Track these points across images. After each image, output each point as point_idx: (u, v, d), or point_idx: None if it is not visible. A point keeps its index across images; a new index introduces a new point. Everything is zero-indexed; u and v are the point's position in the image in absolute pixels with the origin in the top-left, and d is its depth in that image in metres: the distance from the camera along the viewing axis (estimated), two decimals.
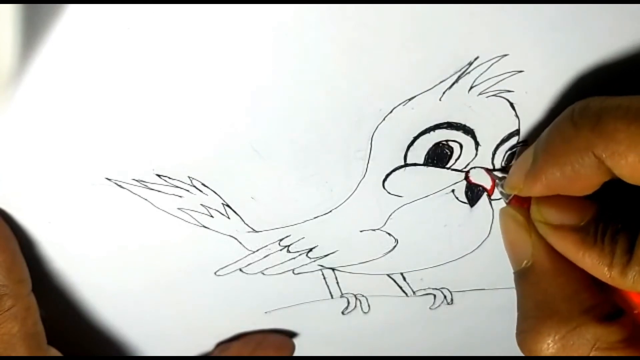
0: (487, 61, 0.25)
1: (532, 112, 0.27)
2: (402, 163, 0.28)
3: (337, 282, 0.35)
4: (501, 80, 0.26)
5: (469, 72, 0.25)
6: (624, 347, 0.24)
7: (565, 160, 0.24)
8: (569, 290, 0.25)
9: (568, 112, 0.24)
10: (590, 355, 0.24)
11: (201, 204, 0.29)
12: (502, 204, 0.29)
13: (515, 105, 0.27)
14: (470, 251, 0.33)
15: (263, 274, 0.33)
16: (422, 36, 0.24)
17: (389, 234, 0.32)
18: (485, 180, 0.29)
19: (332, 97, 0.25)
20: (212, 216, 0.29)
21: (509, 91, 0.26)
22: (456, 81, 0.25)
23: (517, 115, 0.27)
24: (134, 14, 0.22)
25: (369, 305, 0.37)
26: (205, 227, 0.30)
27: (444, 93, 0.26)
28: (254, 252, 0.32)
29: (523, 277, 0.27)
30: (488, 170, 0.29)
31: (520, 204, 0.27)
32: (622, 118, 0.22)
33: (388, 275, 0.35)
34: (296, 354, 0.39)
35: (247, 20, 0.22)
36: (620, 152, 0.22)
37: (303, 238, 0.31)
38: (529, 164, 0.26)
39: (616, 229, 0.24)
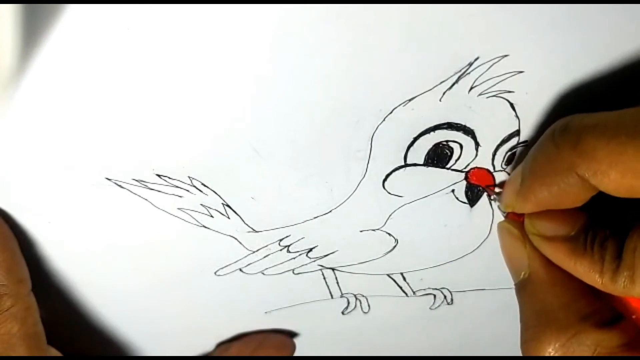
0: (487, 62, 0.25)
1: (532, 113, 0.27)
2: (402, 163, 0.28)
3: (337, 282, 0.35)
4: (501, 80, 0.26)
5: (469, 73, 0.25)
6: (625, 351, 0.24)
7: (551, 181, 0.24)
8: (566, 299, 0.26)
9: (549, 133, 0.25)
10: None
11: (201, 204, 0.29)
12: None
13: (515, 105, 0.27)
14: (470, 251, 0.33)
15: (263, 274, 0.33)
16: (422, 36, 0.24)
17: (389, 234, 0.32)
18: (484, 180, 0.29)
19: (332, 97, 0.25)
20: (212, 216, 0.29)
21: (509, 92, 0.26)
22: (456, 82, 0.25)
23: (517, 116, 0.27)
24: (134, 14, 0.22)
25: (369, 305, 0.37)
26: (205, 227, 0.30)
27: (444, 93, 0.26)
28: (254, 252, 0.32)
29: (522, 288, 0.27)
30: (486, 186, 0.29)
31: (516, 217, 0.28)
32: (601, 136, 0.23)
33: (388, 275, 0.35)
34: (296, 354, 0.39)
35: (247, 20, 0.22)
36: (602, 170, 0.23)
37: (303, 238, 0.31)
38: (518, 184, 0.26)
39: (605, 236, 0.24)
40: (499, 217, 0.30)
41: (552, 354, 0.25)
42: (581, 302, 0.25)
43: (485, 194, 0.30)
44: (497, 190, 0.29)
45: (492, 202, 0.30)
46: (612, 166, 0.22)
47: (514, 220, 0.28)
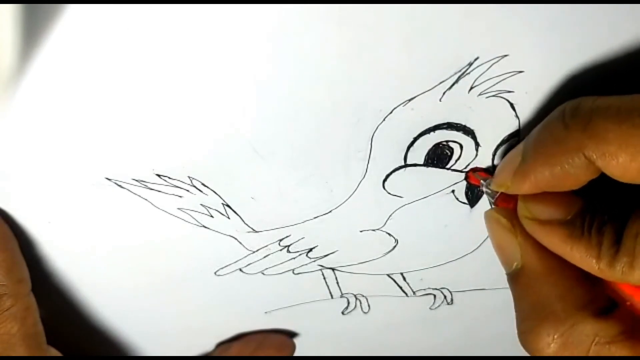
0: (487, 61, 0.25)
1: (532, 113, 0.27)
2: (402, 163, 0.28)
3: (337, 282, 0.35)
4: (501, 80, 0.26)
5: (469, 73, 0.25)
6: (624, 339, 0.24)
7: (555, 161, 0.24)
8: (561, 289, 0.25)
9: (559, 113, 0.24)
10: (592, 349, 0.24)
11: (201, 204, 0.29)
12: None
13: (515, 105, 0.27)
14: (470, 251, 0.33)
15: (263, 274, 0.33)
16: (422, 36, 0.24)
17: (389, 234, 0.32)
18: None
19: (332, 97, 0.25)
20: (212, 216, 0.29)
21: (509, 91, 0.26)
22: (456, 81, 0.25)
23: (517, 116, 0.27)
24: (134, 14, 0.22)
25: (369, 305, 0.37)
26: (205, 227, 0.30)
27: (444, 93, 0.26)
28: (254, 252, 0.32)
29: (515, 279, 0.27)
30: (472, 171, 0.29)
31: (506, 203, 0.27)
32: (613, 118, 0.22)
33: (388, 275, 0.35)
34: (296, 354, 0.39)
35: (247, 21, 0.22)
36: (611, 152, 0.22)
37: (303, 238, 0.31)
38: (517, 162, 0.26)
39: (603, 221, 0.24)
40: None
41: (550, 345, 0.25)
42: (577, 291, 0.25)
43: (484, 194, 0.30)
44: (484, 175, 0.28)
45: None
46: (622, 148, 0.22)
47: (503, 207, 0.27)
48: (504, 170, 0.27)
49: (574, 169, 0.24)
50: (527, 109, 0.27)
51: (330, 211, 0.30)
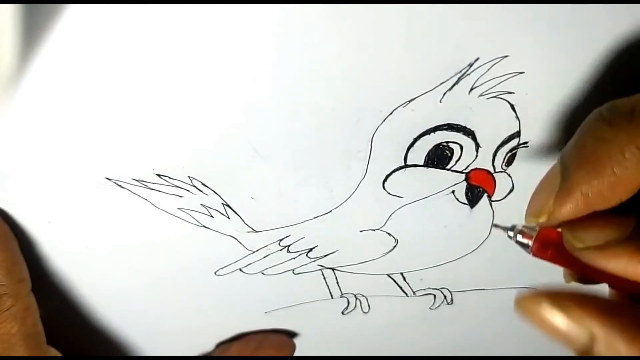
0: (487, 62, 0.25)
1: (532, 114, 0.27)
2: (403, 164, 0.28)
3: (337, 282, 0.35)
4: (502, 81, 0.25)
5: (469, 74, 0.25)
6: None
7: (605, 164, 0.22)
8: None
9: (596, 116, 0.23)
10: None
11: (201, 204, 0.29)
12: (502, 204, 0.29)
13: (515, 106, 0.27)
14: (470, 251, 0.33)
15: (263, 274, 0.33)
16: (422, 37, 0.23)
17: (389, 234, 0.32)
18: (485, 181, 0.29)
19: (333, 97, 0.25)
20: (212, 216, 0.29)
21: (509, 92, 0.26)
22: (456, 82, 0.25)
23: (517, 117, 0.27)
24: (134, 14, 0.22)
25: (369, 305, 0.37)
26: (205, 227, 0.30)
27: (444, 94, 0.26)
28: (254, 252, 0.32)
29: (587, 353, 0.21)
30: (494, 226, 0.27)
31: (545, 248, 0.24)
32: None
33: (388, 275, 0.35)
34: (296, 354, 0.39)
35: (248, 21, 0.22)
36: None
37: (303, 238, 0.31)
38: (556, 182, 0.23)
39: None
40: (499, 217, 0.30)
41: None
42: None
43: (485, 195, 0.30)
44: (508, 225, 0.25)
45: (492, 202, 0.30)
46: None
47: (539, 256, 0.24)
48: (540, 195, 0.24)
49: (626, 169, 0.22)
50: (527, 110, 0.27)
51: (330, 211, 0.30)
